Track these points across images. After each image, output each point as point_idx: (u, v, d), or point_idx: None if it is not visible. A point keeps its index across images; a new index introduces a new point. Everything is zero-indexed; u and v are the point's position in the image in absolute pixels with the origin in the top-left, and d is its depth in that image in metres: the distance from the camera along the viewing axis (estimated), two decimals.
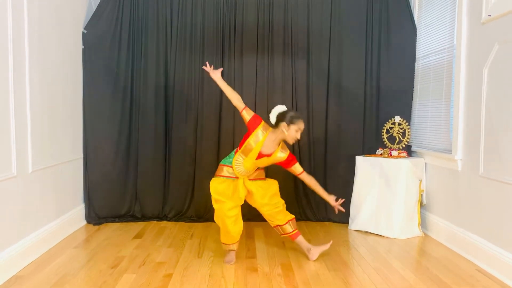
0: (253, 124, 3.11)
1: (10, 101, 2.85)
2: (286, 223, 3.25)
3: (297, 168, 3.21)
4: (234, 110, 4.30)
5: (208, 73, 3.30)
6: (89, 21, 4.12)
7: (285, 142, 3.18)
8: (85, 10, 4.17)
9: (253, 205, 3.28)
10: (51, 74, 3.48)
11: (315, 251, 3.23)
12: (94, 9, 4.18)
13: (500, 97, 2.95)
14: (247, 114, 3.13)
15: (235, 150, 3.23)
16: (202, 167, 4.32)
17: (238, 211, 3.13)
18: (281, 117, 3.07)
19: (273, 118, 3.12)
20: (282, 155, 3.14)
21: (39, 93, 3.27)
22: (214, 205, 3.12)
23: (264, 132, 3.10)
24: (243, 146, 3.11)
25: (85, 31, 4.09)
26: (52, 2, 3.48)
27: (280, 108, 3.15)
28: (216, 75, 3.25)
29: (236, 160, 3.17)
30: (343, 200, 3.27)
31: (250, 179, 3.22)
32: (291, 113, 3.09)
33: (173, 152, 4.32)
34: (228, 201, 3.08)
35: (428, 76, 4.05)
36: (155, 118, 4.30)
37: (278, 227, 3.27)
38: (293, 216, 3.32)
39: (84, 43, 4.09)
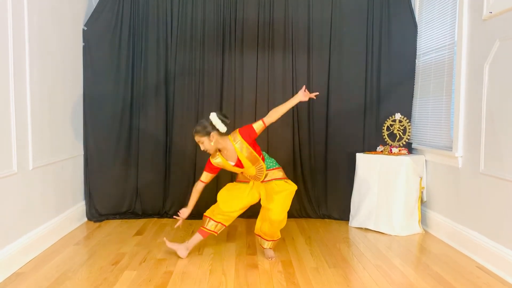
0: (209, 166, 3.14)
1: (10, 98, 2.85)
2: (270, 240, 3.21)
3: (258, 125, 2.99)
4: (234, 107, 4.31)
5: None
6: (89, 18, 4.11)
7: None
8: (85, 7, 4.17)
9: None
10: (51, 71, 3.48)
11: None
12: (94, 6, 4.17)
13: (501, 94, 2.95)
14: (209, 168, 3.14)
15: None
16: (202, 164, 4.25)
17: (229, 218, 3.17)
18: None
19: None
20: (239, 143, 2.98)
21: (40, 90, 3.27)
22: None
23: (217, 156, 3.07)
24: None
25: (85, 28, 4.09)
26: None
27: None
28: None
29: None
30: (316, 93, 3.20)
31: (262, 182, 3.13)
32: None
33: (173, 148, 4.32)
34: (224, 205, 3.12)
35: (429, 73, 4.04)
36: (156, 115, 4.30)
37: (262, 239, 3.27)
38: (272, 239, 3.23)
39: (84, 40, 4.09)
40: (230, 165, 3.06)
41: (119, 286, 2.64)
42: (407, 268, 3.01)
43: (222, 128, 2.94)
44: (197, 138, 3.01)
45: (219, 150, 3.06)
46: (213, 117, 2.95)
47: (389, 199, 3.86)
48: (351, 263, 3.10)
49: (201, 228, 3.20)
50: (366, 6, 4.27)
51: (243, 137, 2.98)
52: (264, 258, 3.18)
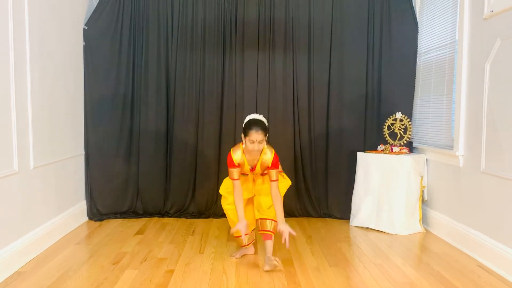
0: (230, 163, 2.98)
1: (11, 97, 2.85)
2: (270, 219, 3.06)
3: (272, 174, 2.98)
4: (235, 106, 4.31)
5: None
6: (90, 17, 4.12)
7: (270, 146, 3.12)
8: (86, 6, 4.17)
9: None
10: (52, 70, 3.48)
11: (269, 263, 2.92)
12: (95, 6, 4.17)
13: (502, 92, 2.94)
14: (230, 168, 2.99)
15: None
16: (203, 163, 4.32)
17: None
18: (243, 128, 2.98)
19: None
20: (268, 156, 2.97)
21: (40, 90, 3.27)
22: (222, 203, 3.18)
23: (240, 154, 2.97)
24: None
25: (86, 28, 4.09)
26: None
27: (247, 118, 3.02)
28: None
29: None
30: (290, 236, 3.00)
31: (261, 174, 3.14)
32: (245, 123, 2.94)
33: (174, 148, 4.32)
34: (229, 196, 3.10)
35: (429, 72, 4.04)
36: (157, 114, 4.30)
37: (261, 220, 3.08)
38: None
39: (85, 39, 4.09)
40: (247, 167, 3.03)
41: (120, 285, 2.64)
42: (408, 267, 3.00)
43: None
44: (260, 136, 2.86)
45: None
46: (265, 120, 3.00)
47: (390, 198, 3.86)
48: (352, 262, 3.10)
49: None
50: (367, 5, 4.27)
51: (273, 157, 2.96)
52: (265, 257, 3.17)
